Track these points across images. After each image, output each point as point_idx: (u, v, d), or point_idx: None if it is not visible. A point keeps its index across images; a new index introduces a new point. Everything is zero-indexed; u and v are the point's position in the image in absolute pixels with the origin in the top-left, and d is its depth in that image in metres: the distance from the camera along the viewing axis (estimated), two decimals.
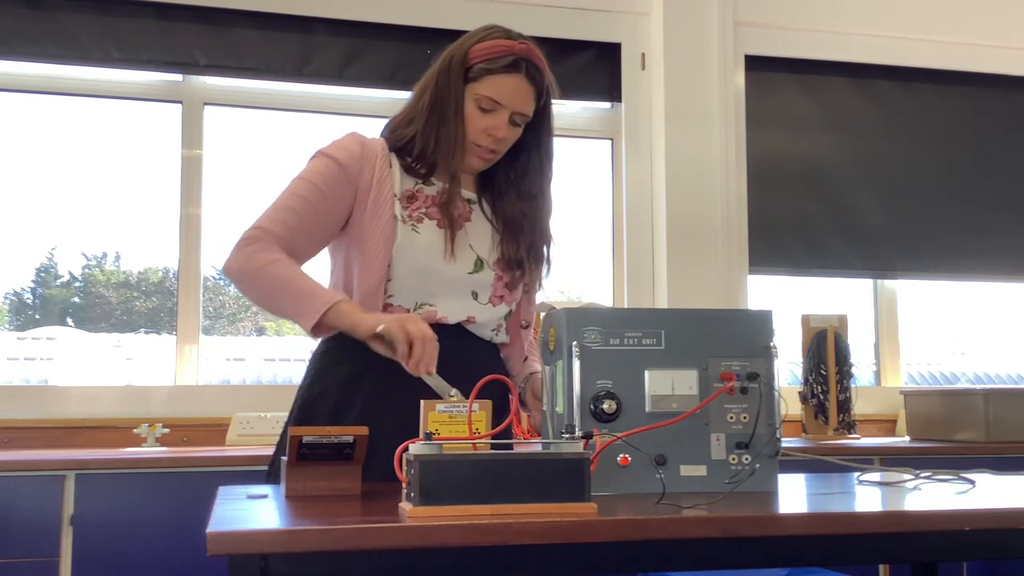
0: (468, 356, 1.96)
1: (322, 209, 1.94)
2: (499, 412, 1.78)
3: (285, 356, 3.79)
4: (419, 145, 1.99)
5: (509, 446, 1.95)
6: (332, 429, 1.58)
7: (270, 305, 1.96)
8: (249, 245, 1.91)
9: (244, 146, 3.62)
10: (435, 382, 1.77)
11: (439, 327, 1.90)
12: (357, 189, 1.95)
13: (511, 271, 2.04)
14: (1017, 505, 1.42)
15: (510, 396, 1.74)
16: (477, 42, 1.97)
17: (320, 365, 2.01)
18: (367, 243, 1.93)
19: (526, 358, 2.12)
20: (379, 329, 1.78)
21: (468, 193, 2.05)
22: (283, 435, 1.98)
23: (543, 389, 1.77)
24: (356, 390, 1.94)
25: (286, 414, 2.05)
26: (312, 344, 2.06)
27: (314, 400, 1.97)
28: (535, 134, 2.05)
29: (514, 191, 2.06)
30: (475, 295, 2.00)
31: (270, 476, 2.02)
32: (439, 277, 1.95)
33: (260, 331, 3.82)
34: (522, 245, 2.04)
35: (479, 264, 2.00)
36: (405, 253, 1.93)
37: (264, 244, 1.90)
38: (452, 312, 1.96)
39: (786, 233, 3.94)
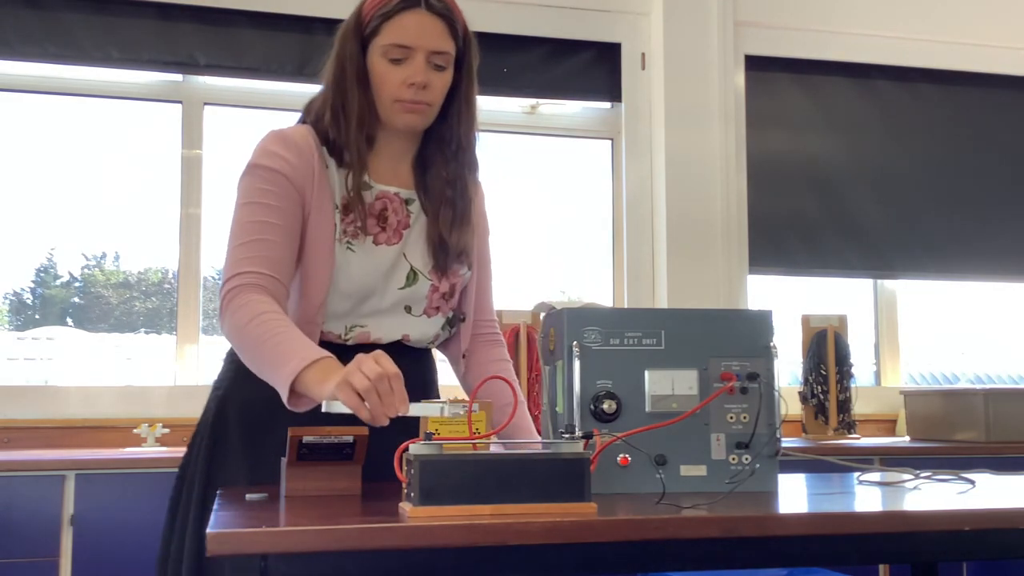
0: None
1: (285, 225, 1.73)
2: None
3: None
4: (332, 132, 1.77)
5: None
6: (332, 429, 1.58)
7: (255, 369, 1.66)
8: (229, 304, 1.67)
9: (244, 146, 3.60)
10: (420, 410, 1.50)
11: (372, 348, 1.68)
12: (304, 196, 1.75)
13: (447, 276, 1.84)
14: (1017, 505, 1.42)
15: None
16: None
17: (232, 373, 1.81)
18: (309, 266, 1.74)
19: (464, 355, 1.91)
20: (324, 409, 1.49)
21: (407, 192, 1.83)
22: (195, 438, 1.82)
23: (543, 391, 1.76)
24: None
25: None
26: None
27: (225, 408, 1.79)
28: (458, 87, 1.82)
29: (439, 156, 1.84)
30: (408, 308, 1.81)
31: (183, 481, 1.79)
32: (373, 299, 1.77)
33: None
34: (447, 220, 1.81)
35: (411, 277, 1.81)
36: (340, 278, 1.75)
37: (244, 298, 1.66)
38: (386, 332, 1.79)
39: (786, 233, 3.94)
